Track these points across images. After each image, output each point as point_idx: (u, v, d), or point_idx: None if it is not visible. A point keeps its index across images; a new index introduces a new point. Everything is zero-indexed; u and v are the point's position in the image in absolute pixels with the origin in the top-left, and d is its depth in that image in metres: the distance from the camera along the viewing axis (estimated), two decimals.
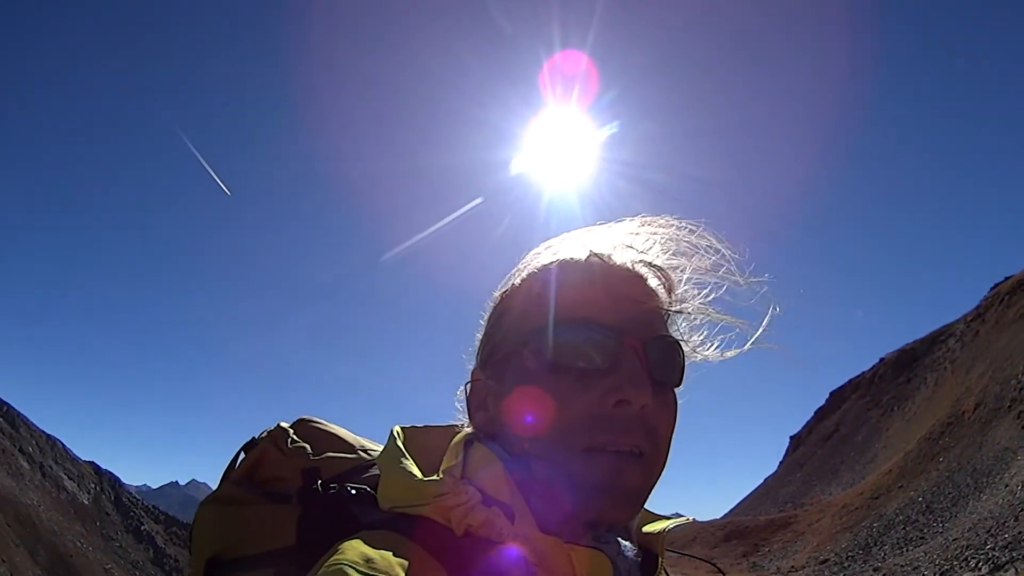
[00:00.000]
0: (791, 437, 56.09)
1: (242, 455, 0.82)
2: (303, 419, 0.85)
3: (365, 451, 0.81)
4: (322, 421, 0.86)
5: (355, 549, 0.52)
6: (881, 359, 50.17)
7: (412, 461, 0.62)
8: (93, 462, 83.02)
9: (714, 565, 0.91)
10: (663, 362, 0.63)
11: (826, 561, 26.23)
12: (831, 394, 53.95)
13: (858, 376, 51.71)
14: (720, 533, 35.18)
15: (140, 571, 71.24)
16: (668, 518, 0.70)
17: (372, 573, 0.49)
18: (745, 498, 54.47)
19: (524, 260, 0.71)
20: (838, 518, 30.52)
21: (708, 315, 0.71)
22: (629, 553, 0.62)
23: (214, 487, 0.81)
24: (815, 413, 54.60)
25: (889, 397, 44.55)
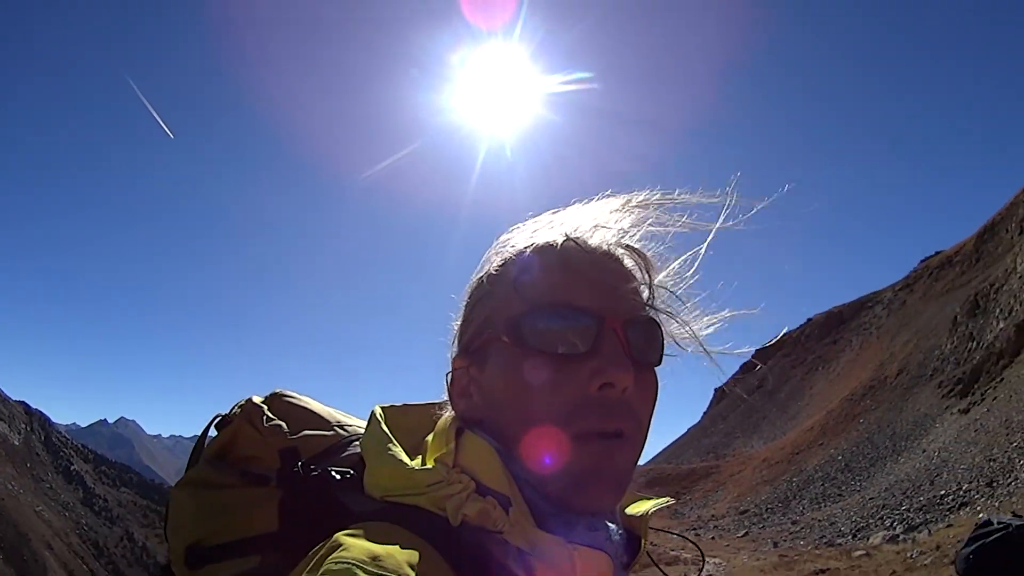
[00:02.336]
0: (716, 389, 58.21)
1: (212, 432, 0.78)
2: (276, 393, 0.82)
3: (341, 427, 0.78)
4: (295, 395, 0.83)
5: (359, 545, 0.49)
6: (809, 319, 52.00)
7: (399, 446, 0.61)
8: (24, 402, 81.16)
9: (694, 544, 0.98)
10: (643, 343, 0.63)
11: (746, 512, 27.07)
12: (757, 350, 55.72)
13: (785, 334, 53.56)
14: (642, 480, 35.94)
15: (70, 512, 69.64)
16: (650, 499, 0.70)
17: (381, 572, 0.47)
18: (668, 446, 56.62)
19: (499, 243, 0.69)
20: (759, 471, 31.62)
21: (685, 288, 0.71)
22: (617, 537, 0.62)
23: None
24: (740, 367, 56.18)
25: (814, 357, 46.39)
